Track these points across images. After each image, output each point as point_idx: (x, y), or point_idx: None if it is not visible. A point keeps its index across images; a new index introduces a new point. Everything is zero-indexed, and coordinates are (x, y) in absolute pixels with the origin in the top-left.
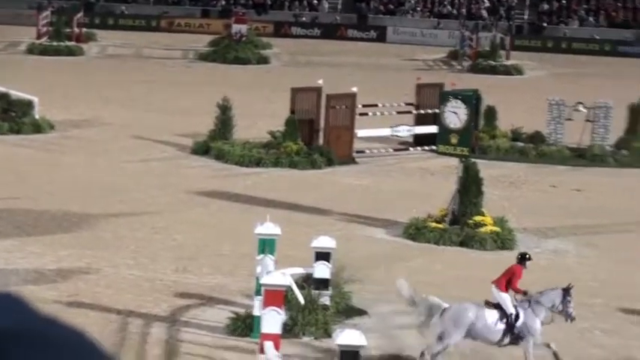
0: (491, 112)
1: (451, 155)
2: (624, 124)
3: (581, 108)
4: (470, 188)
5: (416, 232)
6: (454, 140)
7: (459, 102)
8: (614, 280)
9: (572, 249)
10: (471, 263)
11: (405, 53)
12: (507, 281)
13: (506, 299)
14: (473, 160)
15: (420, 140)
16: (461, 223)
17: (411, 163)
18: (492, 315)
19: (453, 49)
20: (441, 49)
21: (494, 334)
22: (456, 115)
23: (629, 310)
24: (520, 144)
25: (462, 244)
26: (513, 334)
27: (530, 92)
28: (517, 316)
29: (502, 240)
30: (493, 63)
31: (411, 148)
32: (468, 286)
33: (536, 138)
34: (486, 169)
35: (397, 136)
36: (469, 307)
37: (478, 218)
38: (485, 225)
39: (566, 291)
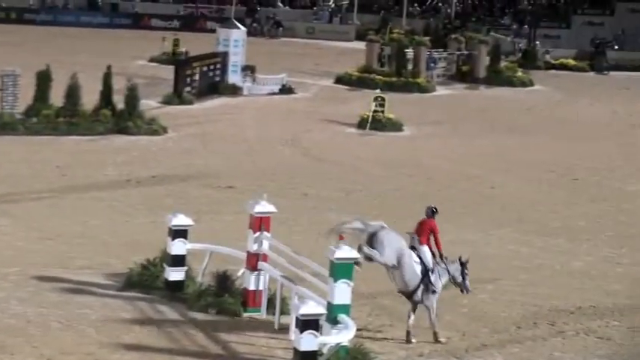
0: None
1: None
2: (33, 91)
3: None
4: None
5: None
6: None
7: None
8: (28, 248)
9: None
10: None
11: None
12: (428, 237)
13: (427, 252)
14: None
15: None
16: None
17: None
18: (415, 257)
19: None
20: None
21: (414, 277)
22: None
23: (43, 277)
24: None
25: None
26: (426, 285)
27: None
28: (433, 271)
29: None
30: None
31: None
32: None
33: None
34: None
35: None
36: (403, 238)
37: None
38: None
39: (464, 265)
